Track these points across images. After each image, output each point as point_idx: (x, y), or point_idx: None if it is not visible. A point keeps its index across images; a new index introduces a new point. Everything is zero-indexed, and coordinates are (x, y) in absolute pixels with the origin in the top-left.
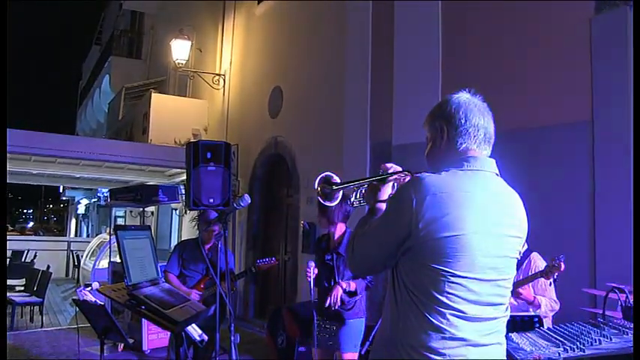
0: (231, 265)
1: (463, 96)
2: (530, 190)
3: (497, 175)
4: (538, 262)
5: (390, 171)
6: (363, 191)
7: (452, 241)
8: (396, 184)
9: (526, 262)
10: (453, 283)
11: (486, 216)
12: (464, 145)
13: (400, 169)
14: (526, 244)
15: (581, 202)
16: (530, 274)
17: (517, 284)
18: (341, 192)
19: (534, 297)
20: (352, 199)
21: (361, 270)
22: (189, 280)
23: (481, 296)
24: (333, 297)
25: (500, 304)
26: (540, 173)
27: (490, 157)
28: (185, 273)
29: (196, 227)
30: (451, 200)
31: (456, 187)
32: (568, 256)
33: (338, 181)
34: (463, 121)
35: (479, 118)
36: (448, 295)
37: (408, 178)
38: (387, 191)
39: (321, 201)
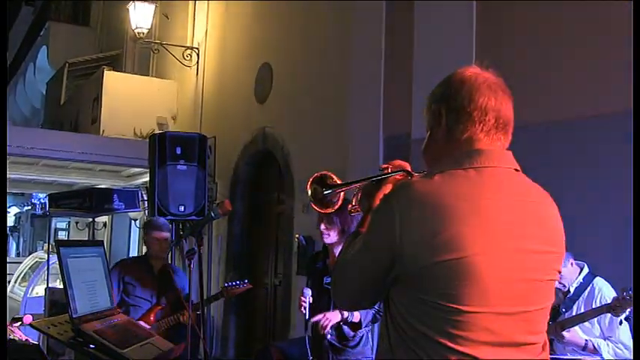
0: (187, 290)
1: (469, 70)
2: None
3: (516, 170)
4: (604, 291)
5: (389, 170)
6: (359, 196)
7: (451, 266)
8: None
9: (589, 289)
10: (457, 321)
11: (499, 229)
12: (466, 134)
13: (408, 167)
14: (587, 267)
15: (624, 209)
16: (593, 306)
17: (573, 320)
18: (342, 196)
19: (586, 340)
20: (350, 207)
21: (344, 304)
22: (133, 310)
23: (500, 336)
24: (324, 319)
25: (530, 345)
26: (574, 174)
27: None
28: (128, 301)
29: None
30: (447, 213)
31: (454, 194)
32: (622, 281)
33: (338, 182)
34: (466, 102)
35: (488, 98)
36: (453, 337)
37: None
38: None
39: (316, 208)
